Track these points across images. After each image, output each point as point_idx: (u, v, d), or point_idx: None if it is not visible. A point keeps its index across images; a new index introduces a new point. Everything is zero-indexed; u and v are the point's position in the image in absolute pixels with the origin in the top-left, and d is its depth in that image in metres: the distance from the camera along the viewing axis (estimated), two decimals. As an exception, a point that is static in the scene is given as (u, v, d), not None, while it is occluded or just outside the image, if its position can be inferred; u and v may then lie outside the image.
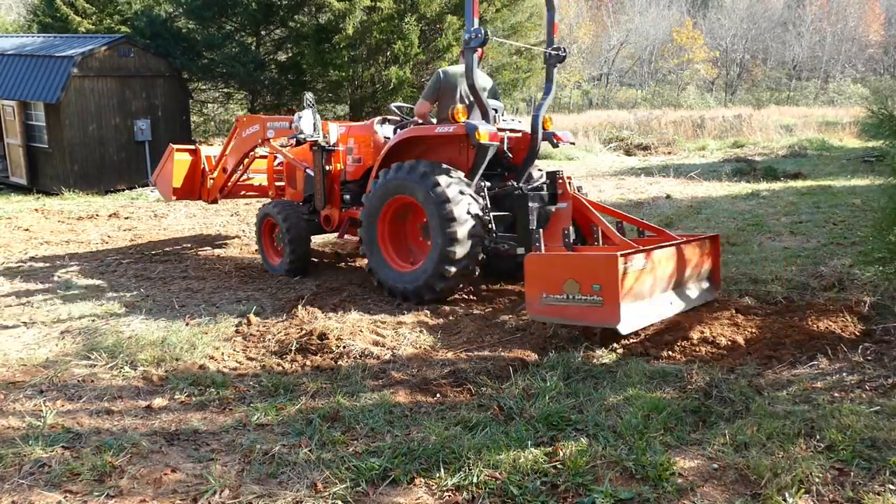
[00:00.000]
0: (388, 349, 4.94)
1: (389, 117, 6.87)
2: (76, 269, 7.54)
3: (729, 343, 4.84)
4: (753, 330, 5.06)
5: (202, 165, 8.61)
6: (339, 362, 4.71)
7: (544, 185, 6.00)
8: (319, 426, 3.71)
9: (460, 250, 5.59)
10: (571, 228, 5.59)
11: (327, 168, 6.81)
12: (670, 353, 4.76)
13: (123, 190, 13.73)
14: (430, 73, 16.21)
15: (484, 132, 5.59)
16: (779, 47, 54.14)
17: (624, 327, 4.65)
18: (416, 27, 15.30)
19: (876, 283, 5.72)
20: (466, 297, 6.22)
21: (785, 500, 2.91)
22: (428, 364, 4.68)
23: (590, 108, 44.78)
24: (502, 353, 4.81)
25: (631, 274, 4.74)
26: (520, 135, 6.32)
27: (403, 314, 5.72)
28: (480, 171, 5.90)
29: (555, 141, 6.26)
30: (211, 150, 8.93)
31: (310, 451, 3.43)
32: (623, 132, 23.98)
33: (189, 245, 8.95)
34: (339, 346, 4.88)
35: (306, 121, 6.57)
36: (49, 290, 6.63)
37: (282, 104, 18.53)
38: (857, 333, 4.86)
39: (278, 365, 4.72)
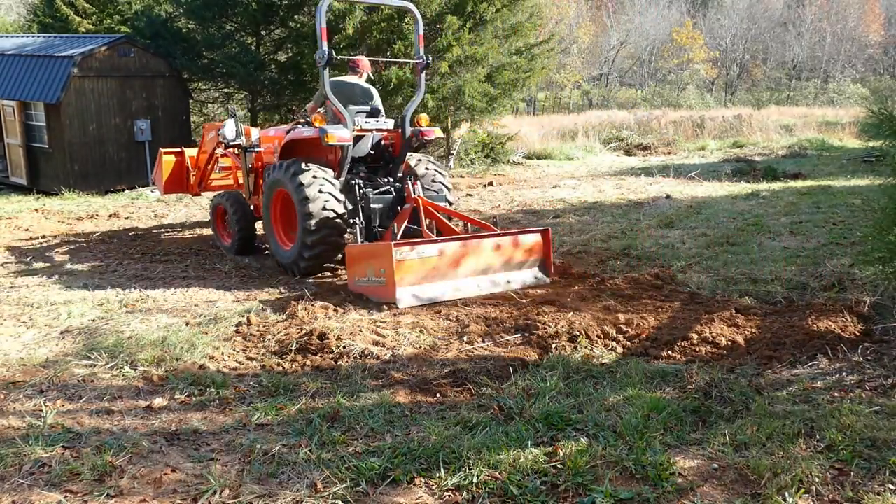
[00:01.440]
0: (388, 349, 4.94)
1: (303, 120, 7.59)
2: (76, 270, 7.53)
3: (729, 343, 4.84)
4: (753, 330, 5.07)
5: (186, 164, 9.61)
6: (339, 362, 4.72)
7: (392, 189, 7.14)
8: (319, 426, 3.71)
9: (316, 234, 6.58)
10: (395, 224, 6.65)
11: (250, 165, 8.06)
12: (670, 353, 4.76)
13: (123, 190, 13.72)
14: (430, 73, 16.22)
15: (332, 135, 6.55)
16: (779, 47, 54.13)
17: (400, 303, 5.82)
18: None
19: (876, 283, 5.72)
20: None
21: (785, 500, 2.91)
22: (428, 364, 4.68)
23: (590, 108, 44.74)
24: (502, 353, 4.81)
25: (409, 261, 5.88)
26: (391, 131, 7.33)
27: (403, 314, 5.72)
28: (346, 166, 6.99)
29: (421, 137, 7.15)
30: (194, 151, 9.71)
31: (310, 451, 3.43)
32: (623, 132, 23.98)
33: (189, 245, 8.95)
34: (339, 346, 4.89)
35: (229, 128, 7.74)
36: (49, 291, 6.63)
37: (282, 104, 18.51)
38: (857, 333, 4.86)
39: (278, 365, 4.72)
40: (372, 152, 7.27)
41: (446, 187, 7.43)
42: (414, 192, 6.85)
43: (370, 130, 7.13)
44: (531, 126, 26.16)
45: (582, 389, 4.12)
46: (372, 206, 6.90)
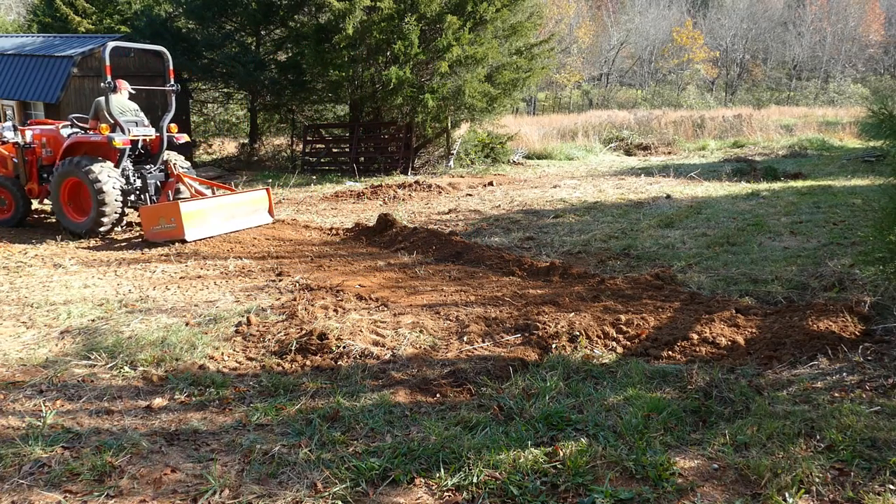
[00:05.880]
0: (388, 349, 4.94)
1: (74, 124, 10.05)
2: (76, 269, 7.53)
3: (729, 343, 4.84)
4: (753, 330, 5.06)
5: None
6: (339, 362, 4.71)
7: (158, 169, 10.01)
8: (319, 426, 3.71)
9: (108, 209, 9.12)
10: (171, 192, 9.82)
11: (26, 158, 10.14)
12: (670, 353, 4.76)
13: (123, 190, 13.71)
14: (430, 73, 16.22)
15: (118, 140, 9.17)
16: (779, 47, 54.14)
17: (188, 238, 8.75)
18: (416, 27, 15.30)
19: (876, 283, 5.72)
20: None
21: (785, 500, 2.91)
22: (428, 364, 4.68)
23: (590, 108, 44.77)
24: (502, 353, 4.81)
25: (190, 212, 8.84)
26: (153, 136, 9.94)
27: (403, 314, 5.73)
28: (123, 161, 9.49)
29: (175, 140, 9.95)
30: None
31: (310, 451, 3.43)
32: (623, 132, 23.99)
33: (190, 244, 8.94)
34: (339, 346, 4.88)
35: (7, 130, 10.00)
36: (49, 291, 6.63)
37: (282, 104, 18.53)
38: (857, 333, 4.86)
39: (278, 365, 4.72)
40: (141, 150, 9.98)
41: (191, 167, 10.42)
42: (175, 171, 9.94)
43: (139, 136, 9.74)
44: (531, 126, 26.16)
45: (582, 389, 4.12)
46: (148, 181, 9.87)
